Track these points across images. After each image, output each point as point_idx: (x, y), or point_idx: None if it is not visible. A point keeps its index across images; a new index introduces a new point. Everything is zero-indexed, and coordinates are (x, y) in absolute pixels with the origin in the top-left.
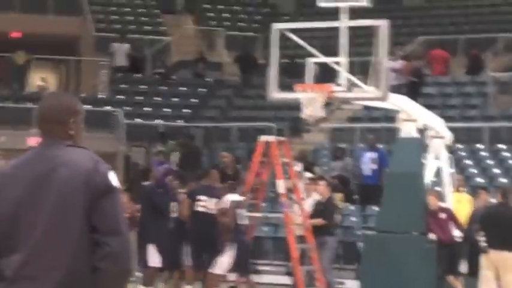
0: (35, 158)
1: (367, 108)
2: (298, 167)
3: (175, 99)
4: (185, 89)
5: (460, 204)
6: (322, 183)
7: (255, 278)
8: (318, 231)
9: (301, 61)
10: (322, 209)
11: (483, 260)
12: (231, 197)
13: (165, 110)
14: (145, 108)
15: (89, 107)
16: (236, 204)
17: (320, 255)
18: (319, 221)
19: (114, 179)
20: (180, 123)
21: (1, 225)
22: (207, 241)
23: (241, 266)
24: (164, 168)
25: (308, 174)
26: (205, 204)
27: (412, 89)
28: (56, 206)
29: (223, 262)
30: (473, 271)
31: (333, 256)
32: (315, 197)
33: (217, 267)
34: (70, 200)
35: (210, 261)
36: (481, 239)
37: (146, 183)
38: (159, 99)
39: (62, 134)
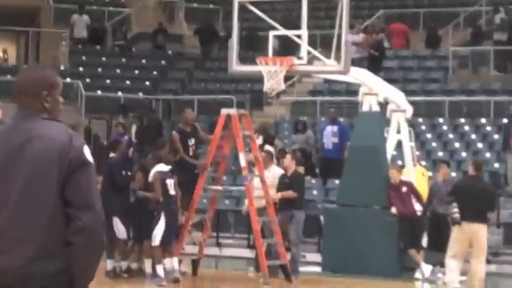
0: (10, 131)
1: (328, 81)
2: (258, 139)
3: (136, 72)
4: (145, 61)
5: (419, 178)
6: (287, 156)
7: (213, 251)
8: (285, 204)
9: (262, 34)
10: (289, 183)
11: (455, 232)
12: (157, 168)
13: (125, 82)
14: (105, 81)
15: None
16: (163, 175)
17: (288, 229)
18: (290, 193)
19: (88, 153)
20: (140, 95)
21: None
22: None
23: (171, 234)
24: (125, 140)
25: (268, 147)
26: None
27: (373, 62)
28: (29, 179)
29: (155, 234)
30: (434, 244)
31: (300, 230)
32: (274, 170)
33: (152, 239)
34: (43, 173)
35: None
36: (454, 211)
37: (112, 155)
38: (119, 71)
39: (37, 107)
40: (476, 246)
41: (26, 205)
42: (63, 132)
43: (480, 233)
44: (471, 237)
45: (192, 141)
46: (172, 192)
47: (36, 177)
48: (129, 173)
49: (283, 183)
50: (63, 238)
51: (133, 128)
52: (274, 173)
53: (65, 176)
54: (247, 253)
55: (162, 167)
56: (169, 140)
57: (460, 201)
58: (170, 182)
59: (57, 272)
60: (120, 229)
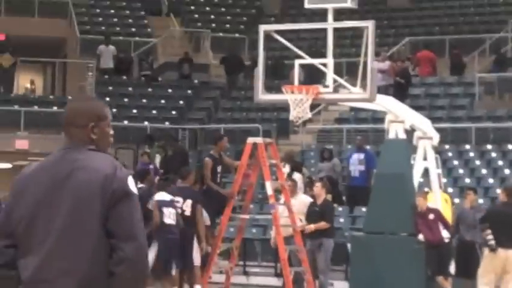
0: (55, 161)
1: (354, 109)
2: (285, 168)
3: (162, 101)
4: (171, 90)
5: (443, 205)
6: (317, 184)
7: (240, 279)
8: (315, 233)
9: (288, 62)
10: (320, 211)
11: (488, 259)
12: (157, 196)
13: (151, 112)
14: (132, 110)
15: None
16: (161, 204)
17: (317, 257)
18: (323, 225)
19: (132, 184)
20: (166, 125)
21: (20, 225)
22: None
23: (164, 263)
24: (151, 170)
25: (297, 175)
26: (180, 205)
27: (399, 90)
28: (72, 210)
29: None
30: (462, 272)
31: (329, 258)
32: (301, 198)
33: None
34: (86, 204)
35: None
36: (490, 238)
37: (140, 185)
38: (146, 101)
39: (84, 138)
40: (510, 272)
41: (70, 236)
42: (108, 163)
43: None
44: (505, 263)
45: (219, 169)
46: (168, 221)
47: (79, 208)
48: None
49: (314, 212)
50: (107, 269)
51: (158, 158)
52: (301, 201)
53: (108, 207)
54: (275, 281)
55: (163, 196)
56: (195, 168)
57: (494, 228)
58: (168, 211)
59: None
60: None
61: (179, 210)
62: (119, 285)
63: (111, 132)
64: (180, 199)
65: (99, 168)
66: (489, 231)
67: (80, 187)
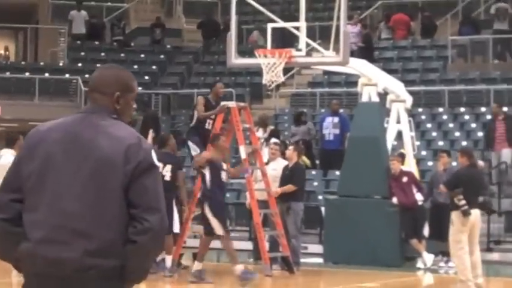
0: (75, 122)
1: (327, 73)
2: (258, 132)
3: (134, 67)
4: (144, 56)
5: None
6: (290, 147)
7: (214, 244)
8: (283, 196)
9: (261, 26)
10: (290, 175)
11: (460, 223)
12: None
13: None
14: None
15: (47, 75)
16: None
17: (287, 221)
18: (289, 187)
19: (155, 157)
20: (139, 90)
21: (30, 180)
22: None
23: None
24: None
25: (274, 140)
26: (160, 170)
27: (364, 54)
28: (94, 174)
29: None
30: (435, 234)
31: (299, 221)
32: (281, 162)
33: None
34: (110, 171)
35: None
36: (462, 203)
37: None
38: None
39: (108, 106)
40: (476, 233)
41: (91, 199)
42: (131, 133)
43: (479, 219)
44: (474, 224)
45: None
46: None
47: (103, 173)
48: None
49: (285, 175)
50: (123, 237)
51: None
52: (281, 165)
53: (131, 177)
54: (249, 245)
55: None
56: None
57: (465, 191)
58: None
59: (112, 268)
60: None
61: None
62: (140, 254)
63: (134, 105)
64: (160, 164)
65: (124, 137)
66: (461, 196)
67: (104, 153)
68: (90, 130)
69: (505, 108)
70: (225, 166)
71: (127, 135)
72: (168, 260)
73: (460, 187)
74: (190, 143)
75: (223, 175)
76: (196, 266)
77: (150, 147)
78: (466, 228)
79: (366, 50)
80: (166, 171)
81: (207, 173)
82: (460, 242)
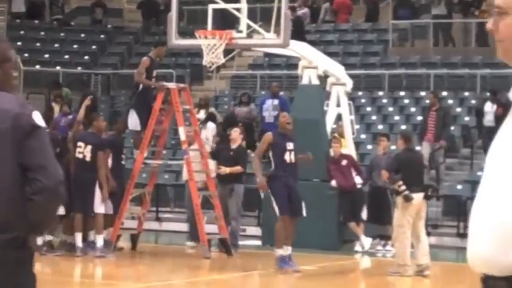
0: None
1: (268, 55)
2: (199, 114)
3: (74, 46)
4: (84, 35)
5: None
6: (236, 129)
7: (152, 225)
8: (226, 178)
9: (202, 7)
10: (234, 156)
11: (403, 208)
12: None
13: (64, 56)
14: (44, 55)
15: None
16: None
17: (227, 203)
18: (238, 169)
19: (38, 118)
20: (79, 70)
21: None
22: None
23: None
24: (69, 120)
25: (211, 124)
26: (82, 150)
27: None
28: None
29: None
30: (374, 217)
31: (240, 203)
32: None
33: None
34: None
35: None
36: (403, 188)
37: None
38: (58, 45)
39: None
40: (422, 216)
41: None
42: (14, 101)
43: (424, 203)
44: (419, 207)
45: (154, 73)
46: None
47: None
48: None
49: (228, 156)
50: (21, 206)
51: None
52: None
53: (19, 142)
54: (187, 227)
55: None
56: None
57: (406, 175)
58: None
59: (12, 239)
60: None
61: (81, 156)
62: (39, 211)
63: (15, 74)
64: (82, 144)
65: (7, 107)
66: (401, 182)
67: None
68: None
69: (444, 93)
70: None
71: (10, 104)
72: (100, 240)
73: (401, 171)
74: (133, 114)
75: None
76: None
77: (31, 110)
78: (411, 213)
79: (296, 34)
80: (87, 152)
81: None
82: (403, 226)
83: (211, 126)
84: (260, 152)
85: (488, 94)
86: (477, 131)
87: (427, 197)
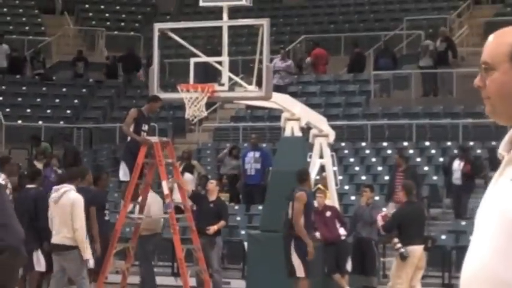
0: None
1: (250, 107)
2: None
3: (56, 100)
4: (66, 90)
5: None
6: (212, 181)
7: (136, 279)
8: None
9: (184, 61)
10: (215, 210)
11: (402, 265)
12: None
13: (46, 111)
14: (26, 110)
15: None
16: None
17: (209, 255)
18: (222, 224)
19: None
20: (61, 124)
21: None
22: None
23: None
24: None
25: (188, 175)
26: None
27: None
28: None
29: None
30: (358, 268)
31: (220, 255)
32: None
33: None
34: None
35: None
36: (398, 246)
37: (31, 186)
38: (40, 100)
39: None
40: (421, 267)
41: None
42: None
43: (424, 254)
44: (420, 259)
45: (145, 127)
46: None
47: None
48: None
49: (208, 209)
50: None
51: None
52: None
53: None
54: (171, 281)
55: None
56: (90, 167)
57: (408, 228)
58: None
59: None
60: (40, 260)
61: None
62: (2, 271)
63: None
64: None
65: None
66: (396, 239)
67: None
68: None
69: (427, 143)
70: None
71: None
72: None
73: (403, 225)
74: (123, 165)
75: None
76: None
77: None
78: (411, 265)
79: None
80: None
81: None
82: (400, 277)
83: (188, 177)
84: (301, 214)
85: (455, 151)
86: (445, 189)
87: (427, 249)
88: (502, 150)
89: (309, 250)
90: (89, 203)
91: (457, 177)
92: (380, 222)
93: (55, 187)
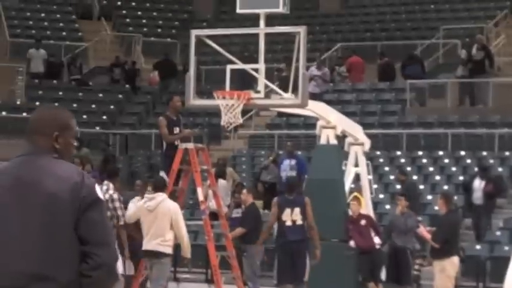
0: (18, 166)
1: (285, 115)
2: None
3: (93, 106)
4: (102, 95)
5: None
6: (244, 190)
7: (171, 286)
8: (239, 239)
9: (220, 67)
10: (243, 217)
11: (449, 271)
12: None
13: (82, 116)
14: None
15: (5, 114)
16: None
17: (243, 264)
18: (238, 231)
19: (100, 191)
20: (97, 130)
21: None
22: None
23: None
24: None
25: (222, 181)
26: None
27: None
28: (44, 217)
29: None
30: (392, 277)
31: (255, 264)
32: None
33: None
34: (57, 211)
35: None
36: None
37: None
38: (76, 105)
39: (47, 147)
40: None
41: (45, 243)
42: (74, 171)
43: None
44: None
45: (177, 130)
46: None
47: (51, 214)
48: None
49: (238, 218)
50: (78, 274)
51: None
52: None
53: (78, 213)
54: None
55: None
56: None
57: (453, 237)
58: None
59: None
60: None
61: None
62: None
63: (75, 143)
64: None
65: (67, 175)
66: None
67: (51, 195)
68: (34, 172)
69: (462, 152)
70: None
71: (70, 173)
72: None
73: (448, 234)
74: (163, 174)
75: None
76: None
77: (93, 182)
78: (454, 274)
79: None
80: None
81: None
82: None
83: (222, 183)
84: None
85: (476, 170)
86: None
87: (462, 260)
88: None
89: (317, 253)
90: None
91: (477, 196)
92: (424, 233)
93: (148, 195)
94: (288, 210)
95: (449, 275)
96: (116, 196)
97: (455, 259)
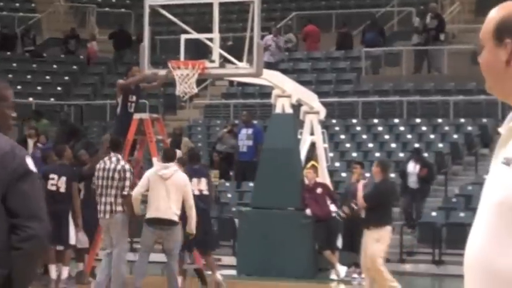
0: None
1: (240, 84)
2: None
3: (47, 77)
4: (56, 66)
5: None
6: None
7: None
8: None
9: (175, 37)
10: None
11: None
12: None
13: (36, 88)
14: (16, 87)
15: None
16: None
17: None
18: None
19: (31, 163)
20: (51, 101)
21: None
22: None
23: None
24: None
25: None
26: (55, 182)
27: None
28: None
29: None
30: (349, 245)
31: None
32: None
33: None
34: None
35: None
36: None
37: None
38: (30, 77)
39: None
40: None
41: None
42: (4, 142)
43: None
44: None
45: (133, 98)
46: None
47: None
48: None
49: None
50: (7, 246)
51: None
52: None
53: (8, 185)
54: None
55: None
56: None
57: (386, 206)
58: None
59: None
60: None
61: (54, 188)
62: (25, 260)
63: (13, 114)
64: (55, 176)
65: None
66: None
67: None
68: None
69: (418, 120)
70: None
71: (0, 144)
72: (65, 272)
73: (381, 202)
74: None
75: None
76: None
77: (24, 153)
78: (387, 244)
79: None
80: (61, 183)
81: None
82: (381, 258)
83: (178, 153)
84: None
85: (411, 153)
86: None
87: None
88: (502, 129)
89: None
90: (71, 179)
91: (413, 180)
92: (360, 189)
93: (161, 164)
94: (194, 180)
95: (385, 244)
96: (127, 167)
97: (390, 228)
